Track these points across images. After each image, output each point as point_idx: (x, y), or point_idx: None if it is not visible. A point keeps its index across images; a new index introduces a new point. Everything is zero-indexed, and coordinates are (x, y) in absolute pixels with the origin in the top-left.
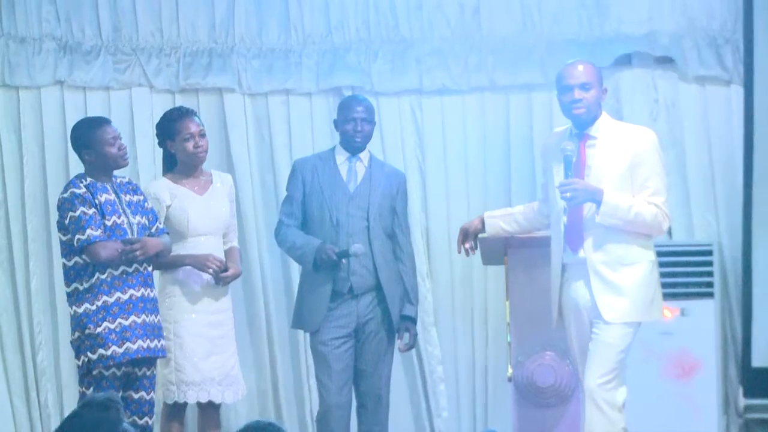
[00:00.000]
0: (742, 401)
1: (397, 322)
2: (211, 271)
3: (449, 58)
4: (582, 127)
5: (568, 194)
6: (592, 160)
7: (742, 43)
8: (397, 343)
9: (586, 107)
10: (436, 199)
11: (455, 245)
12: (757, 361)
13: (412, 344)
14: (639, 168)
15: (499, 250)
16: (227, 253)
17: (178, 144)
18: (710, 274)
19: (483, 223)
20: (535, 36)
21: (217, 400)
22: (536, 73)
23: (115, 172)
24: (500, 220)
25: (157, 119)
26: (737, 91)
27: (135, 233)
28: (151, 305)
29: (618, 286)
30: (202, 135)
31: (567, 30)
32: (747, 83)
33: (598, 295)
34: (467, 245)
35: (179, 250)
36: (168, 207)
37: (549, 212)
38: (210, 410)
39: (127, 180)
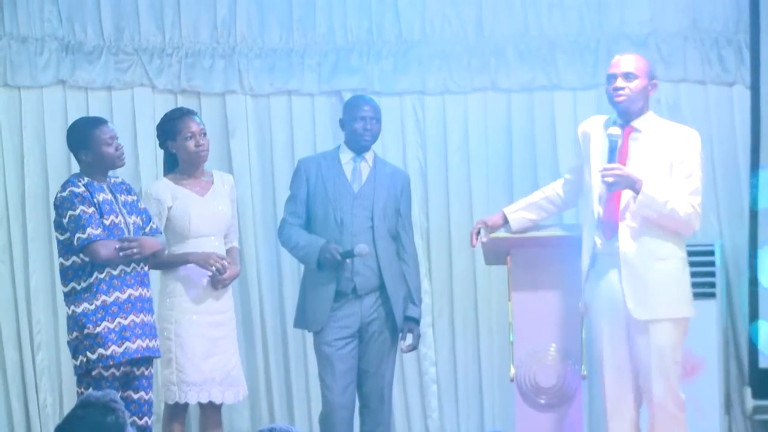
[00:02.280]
0: (751, 402)
1: (401, 323)
2: (213, 269)
3: (451, 60)
4: (626, 118)
5: (609, 179)
6: (635, 152)
7: (744, 43)
8: (400, 343)
9: (628, 96)
10: (437, 200)
11: (456, 246)
12: (765, 362)
13: (415, 345)
14: (680, 167)
15: (501, 251)
16: (227, 253)
17: (179, 144)
18: (712, 274)
19: (504, 219)
20: (537, 36)
21: (217, 400)
22: (538, 73)
23: (109, 173)
24: (524, 212)
25: (159, 119)
26: (739, 92)
27: (131, 232)
28: (147, 305)
29: (651, 282)
30: (204, 134)
31: (569, 30)
32: (753, 83)
33: (632, 291)
34: (479, 236)
35: (181, 251)
36: (169, 208)
37: (578, 192)
38: (211, 410)
39: (120, 180)
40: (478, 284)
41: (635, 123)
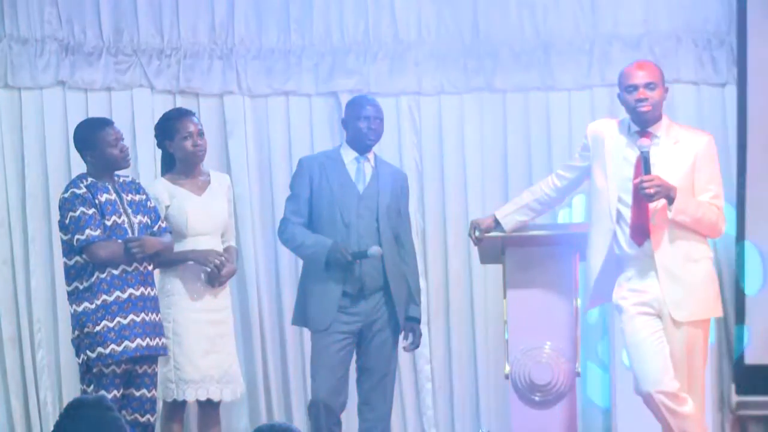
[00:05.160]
0: (735, 398)
1: (403, 323)
2: (212, 266)
3: (447, 61)
4: (643, 126)
5: (652, 190)
6: (656, 158)
7: (736, 44)
8: (402, 343)
9: (652, 105)
10: (433, 199)
11: (451, 245)
12: (750, 358)
13: (417, 344)
14: (702, 171)
15: (496, 249)
16: (224, 252)
17: (177, 143)
18: None
19: (495, 221)
20: (531, 38)
21: (215, 398)
22: (533, 74)
23: (118, 172)
24: (515, 215)
25: (157, 120)
26: (732, 92)
27: (136, 232)
28: (151, 304)
29: (688, 284)
30: (201, 134)
31: (563, 32)
32: (740, 84)
33: (671, 294)
34: (477, 234)
35: (178, 249)
36: (167, 207)
37: (572, 190)
38: (209, 408)
39: (130, 179)
40: (473, 283)
41: (653, 129)
